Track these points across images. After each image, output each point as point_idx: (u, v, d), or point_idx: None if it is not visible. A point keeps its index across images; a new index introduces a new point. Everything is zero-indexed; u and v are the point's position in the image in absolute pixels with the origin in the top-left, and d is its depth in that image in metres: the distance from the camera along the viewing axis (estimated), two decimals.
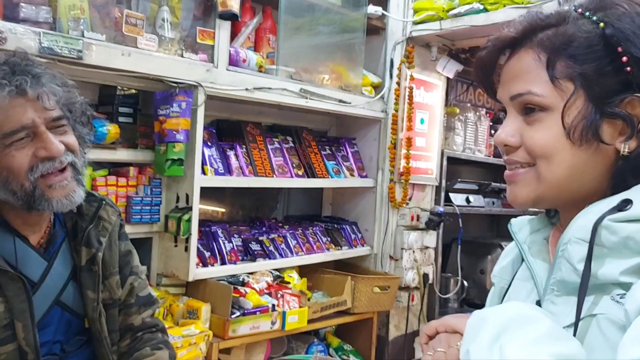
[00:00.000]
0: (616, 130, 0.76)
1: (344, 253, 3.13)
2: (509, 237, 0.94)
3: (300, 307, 2.68)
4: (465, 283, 3.63)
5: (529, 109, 0.79)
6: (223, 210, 3.12)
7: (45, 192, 1.20)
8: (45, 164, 1.19)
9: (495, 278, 0.99)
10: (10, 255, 1.25)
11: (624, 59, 0.74)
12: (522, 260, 0.90)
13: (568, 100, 0.76)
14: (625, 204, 0.72)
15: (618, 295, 0.71)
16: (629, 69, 0.74)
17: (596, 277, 0.72)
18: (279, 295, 2.63)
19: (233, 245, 2.65)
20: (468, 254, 3.81)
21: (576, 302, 0.73)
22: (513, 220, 0.94)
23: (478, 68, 0.88)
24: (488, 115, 4.05)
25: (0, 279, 1.20)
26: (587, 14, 0.77)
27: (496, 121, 4.07)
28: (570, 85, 0.76)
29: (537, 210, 0.92)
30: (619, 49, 0.74)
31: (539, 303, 0.81)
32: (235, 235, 2.70)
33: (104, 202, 1.44)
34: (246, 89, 2.49)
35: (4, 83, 1.15)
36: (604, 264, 0.72)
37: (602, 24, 0.75)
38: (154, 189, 2.36)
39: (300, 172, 2.95)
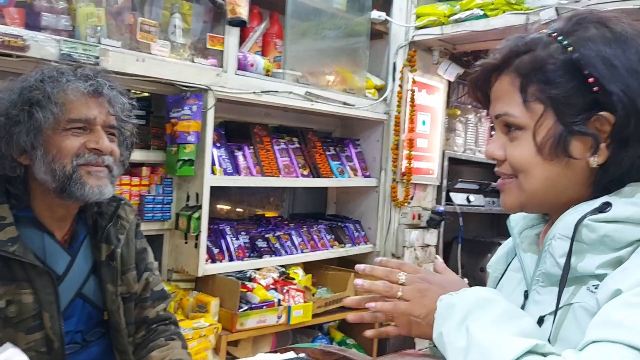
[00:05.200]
0: (586, 146, 0.82)
1: (347, 250, 3.22)
2: (508, 236, 1.02)
3: (305, 302, 2.77)
4: (466, 280, 3.67)
5: (509, 127, 0.89)
6: (231, 208, 3.21)
7: (83, 177, 1.31)
8: (90, 155, 1.31)
9: (490, 268, 1.09)
10: (39, 250, 1.34)
11: (590, 80, 0.80)
12: (516, 252, 0.99)
13: (538, 121, 0.84)
14: (606, 206, 0.80)
15: (593, 285, 0.79)
16: (596, 88, 0.80)
17: (575, 270, 0.80)
18: (284, 291, 2.72)
19: (240, 242, 2.73)
20: (468, 252, 3.88)
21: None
22: (512, 215, 1.03)
23: (470, 88, 0.98)
24: (488, 116, 4.09)
25: (30, 272, 1.29)
26: (560, 38, 0.83)
27: None
28: (540, 107, 0.84)
29: None
30: (586, 72, 0.80)
31: (527, 292, 0.90)
32: (242, 233, 2.78)
33: (122, 202, 1.53)
34: (254, 93, 2.58)
35: (88, 80, 1.32)
36: (583, 258, 0.80)
37: (570, 48, 0.82)
38: (165, 188, 2.45)
39: (305, 172, 3.03)
